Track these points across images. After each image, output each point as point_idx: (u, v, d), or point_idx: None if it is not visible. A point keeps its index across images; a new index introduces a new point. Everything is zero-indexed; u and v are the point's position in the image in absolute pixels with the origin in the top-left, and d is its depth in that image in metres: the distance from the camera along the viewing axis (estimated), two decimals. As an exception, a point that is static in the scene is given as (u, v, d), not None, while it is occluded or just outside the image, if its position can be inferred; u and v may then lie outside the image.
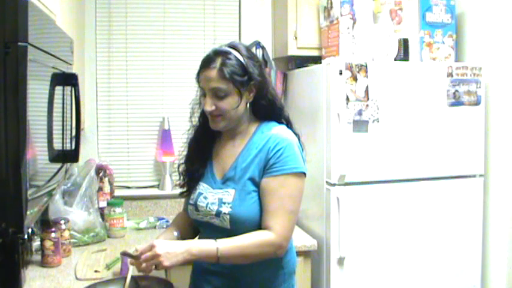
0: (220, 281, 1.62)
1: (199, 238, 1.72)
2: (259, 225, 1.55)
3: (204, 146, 1.71)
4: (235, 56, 1.55)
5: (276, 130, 1.60)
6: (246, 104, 1.60)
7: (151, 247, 1.45)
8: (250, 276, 1.60)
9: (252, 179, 1.56)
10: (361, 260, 2.41)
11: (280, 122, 1.65)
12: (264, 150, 1.56)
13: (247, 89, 1.57)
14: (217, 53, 1.57)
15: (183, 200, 1.78)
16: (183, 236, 1.70)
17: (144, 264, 1.45)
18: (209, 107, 1.56)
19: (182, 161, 1.75)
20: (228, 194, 1.57)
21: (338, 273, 2.38)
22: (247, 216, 1.54)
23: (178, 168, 1.76)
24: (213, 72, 1.53)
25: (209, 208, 1.60)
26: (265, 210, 1.54)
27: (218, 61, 1.54)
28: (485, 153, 2.58)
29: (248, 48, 1.64)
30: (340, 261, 2.37)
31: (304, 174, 1.59)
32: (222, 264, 1.52)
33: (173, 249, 1.45)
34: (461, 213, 2.55)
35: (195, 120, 1.71)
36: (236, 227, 1.54)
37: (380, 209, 2.43)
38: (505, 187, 2.53)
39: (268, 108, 1.64)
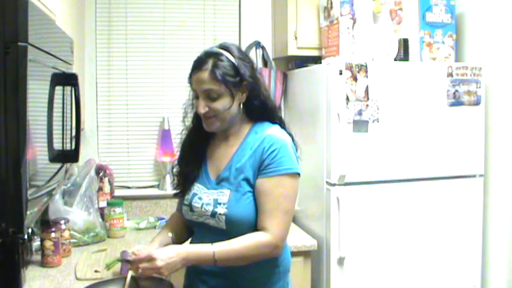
0: (215, 280, 1.62)
1: (193, 239, 1.72)
2: (254, 225, 1.56)
3: (198, 147, 1.71)
4: (227, 57, 1.56)
5: (270, 130, 1.60)
6: (239, 104, 1.61)
7: (150, 258, 1.46)
8: (245, 275, 1.60)
9: (247, 180, 1.57)
10: (361, 260, 2.41)
11: (273, 122, 1.66)
12: (258, 150, 1.56)
13: (239, 90, 1.58)
14: (208, 54, 1.58)
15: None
16: (177, 237, 1.71)
17: (141, 271, 1.47)
18: (202, 109, 1.56)
19: (175, 163, 1.76)
20: (223, 195, 1.58)
21: (338, 273, 2.38)
22: (243, 217, 1.55)
23: (172, 170, 1.77)
24: (205, 74, 1.54)
25: (204, 209, 1.60)
26: (260, 210, 1.55)
27: (210, 63, 1.55)
28: (485, 153, 2.58)
29: (240, 49, 1.64)
30: (340, 261, 2.37)
31: (299, 174, 1.59)
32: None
33: (172, 259, 1.47)
34: (461, 213, 2.55)
35: (188, 121, 1.72)
36: (232, 228, 1.55)
37: (380, 209, 2.43)
38: (505, 187, 2.53)
39: (261, 109, 1.64)
